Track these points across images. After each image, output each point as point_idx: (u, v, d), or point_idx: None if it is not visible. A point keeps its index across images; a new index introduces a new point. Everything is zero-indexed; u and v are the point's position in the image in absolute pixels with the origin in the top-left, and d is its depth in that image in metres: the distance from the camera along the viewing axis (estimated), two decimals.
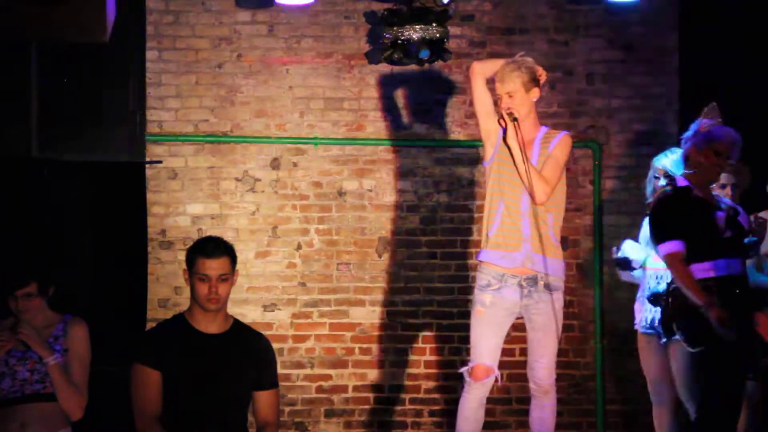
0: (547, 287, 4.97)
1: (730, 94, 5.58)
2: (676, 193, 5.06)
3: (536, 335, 5.01)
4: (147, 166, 6.77)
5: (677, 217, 4.97)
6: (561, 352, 5.62)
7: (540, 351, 5.01)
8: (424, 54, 6.32)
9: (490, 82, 5.26)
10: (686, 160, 5.15)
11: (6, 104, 6.59)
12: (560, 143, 5.14)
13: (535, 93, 5.15)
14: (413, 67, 6.76)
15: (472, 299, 5.08)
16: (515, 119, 5.03)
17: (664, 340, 5.20)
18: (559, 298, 5.01)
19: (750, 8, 6.33)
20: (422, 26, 6.50)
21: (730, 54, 6.43)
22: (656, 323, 5.46)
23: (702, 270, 4.95)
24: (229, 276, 4.42)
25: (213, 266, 4.37)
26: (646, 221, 5.40)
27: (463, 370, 5.06)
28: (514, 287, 4.95)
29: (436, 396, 6.83)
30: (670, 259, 4.94)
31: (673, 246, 4.94)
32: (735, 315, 4.87)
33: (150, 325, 6.50)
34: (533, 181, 4.96)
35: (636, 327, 5.74)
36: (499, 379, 5.08)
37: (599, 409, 6.80)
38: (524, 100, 5.11)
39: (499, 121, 5.10)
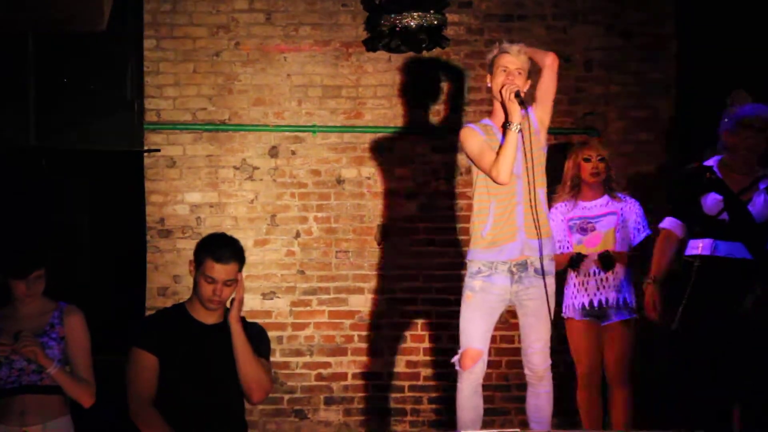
0: (538, 272, 4.92)
1: (728, 81, 5.57)
2: (693, 172, 5.31)
3: (528, 320, 4.95)
4: (145, 154, 6.78)
5: (682, 196, 5.34)
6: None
7: (533, 336, 4.95)
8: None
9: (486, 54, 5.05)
10: (725, 147, 5.28)
11: (4, 93, 6.59)
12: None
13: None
14: (411, 54, 6.76)
15: (463, 287, 5.03)
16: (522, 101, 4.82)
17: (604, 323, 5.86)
18: (551, 282, 4.93)
19: None
20: (420, 13, 6.50)
21: (729, 40, 6.41)
22: (596, 307, 5.86)
23: (690, 247, 5.30)
24: (235, 281, 4.43)
25: (221, 271, 4.37)
26: None
27: (455, 359, 5.01)
28: (505, 273, 4.88)
29: (435, 383, 6.84)
30: (661, 233, 5.49)
31: (666, 223, 5.48)
32: (717, 297, 5.02)
33: (149, 313, 6.51)
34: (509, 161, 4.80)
35: (566, 314, 5.95)
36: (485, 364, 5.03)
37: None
38: (525, 83, 4.92)
39: (508, 96, 4.78)
